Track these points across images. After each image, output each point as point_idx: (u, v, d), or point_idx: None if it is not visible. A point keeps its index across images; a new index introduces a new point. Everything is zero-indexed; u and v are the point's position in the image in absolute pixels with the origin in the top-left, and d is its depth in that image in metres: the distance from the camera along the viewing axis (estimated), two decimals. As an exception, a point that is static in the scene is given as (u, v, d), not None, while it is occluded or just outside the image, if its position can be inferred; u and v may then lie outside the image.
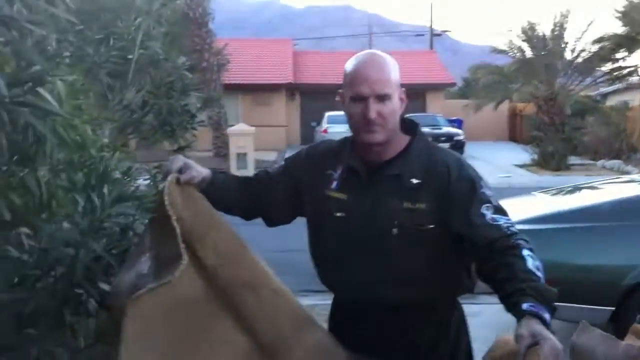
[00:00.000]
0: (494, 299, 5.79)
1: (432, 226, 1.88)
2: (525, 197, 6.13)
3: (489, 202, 1.86)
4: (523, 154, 20.47)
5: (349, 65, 1.94)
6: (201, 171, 1.97)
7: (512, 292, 1.64)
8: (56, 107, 1.29)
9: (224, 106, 21.84)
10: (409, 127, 2.03)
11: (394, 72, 1.91)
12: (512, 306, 1.63)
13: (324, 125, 22.43)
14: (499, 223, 1.81)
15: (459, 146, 22.82)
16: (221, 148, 21.07)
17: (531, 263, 1.70)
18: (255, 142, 18.19)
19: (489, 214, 1.83)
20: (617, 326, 4.16)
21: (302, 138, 27.84)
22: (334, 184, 1.99)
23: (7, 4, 1.30)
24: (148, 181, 3.87)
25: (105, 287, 1.51)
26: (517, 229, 1.82)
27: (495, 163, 20.29)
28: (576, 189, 5.94)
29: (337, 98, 2.01)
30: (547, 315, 1.58)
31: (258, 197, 2.11)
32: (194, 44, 20.73)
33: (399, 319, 1.95)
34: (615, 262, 4.41)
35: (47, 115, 1.36)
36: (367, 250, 1.92)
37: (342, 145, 2.07)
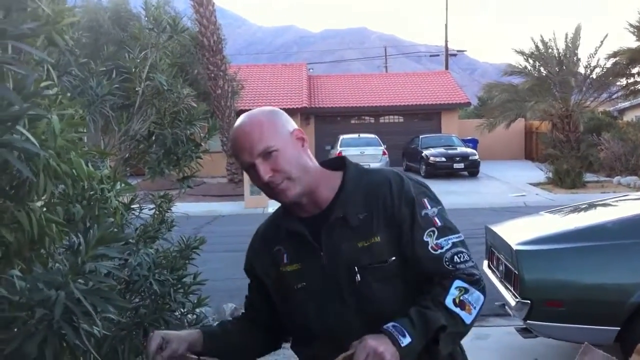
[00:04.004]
0: (502, 320, 5.75)
1: (393, 258, 1.69)
2: (532, 217, 6.10)
3: (432, 224, 1.70)
4: (538, 172, 20.34)
5: (230, 135, 1.83)
6: (185, 338, 1.79)
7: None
8: (35, 145, 1.34)
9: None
10: (338, 163, 1.88)
11: (268, 124, 1.73)
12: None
13: (338, 148, 22.48)
14: (441, 252, 1.67)
15: (474, 166, 22.83)
16: (235, 174, 21.22)
17: (452, 297, 1.61)
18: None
19: (432, 241, 1.68)
20: (623, 346, 4.13)
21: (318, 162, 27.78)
22: (285, 258, 1.81)
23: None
24: (153, 210, 3.93)
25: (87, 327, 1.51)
26: (461, 253, 1.68)
27: (510, 182, 20.24)
28: (582, 207, 5.87)
29: None
30: (404, 339, 1.52)
31: (257, 320, 1.95)
32: (209, 71, 20.92)
33: None
34: (621, 281, 4.35)
35: (32, 153, 1.41)
36: (334, 311, 1.73)
37: (277, 215, 1.92)
